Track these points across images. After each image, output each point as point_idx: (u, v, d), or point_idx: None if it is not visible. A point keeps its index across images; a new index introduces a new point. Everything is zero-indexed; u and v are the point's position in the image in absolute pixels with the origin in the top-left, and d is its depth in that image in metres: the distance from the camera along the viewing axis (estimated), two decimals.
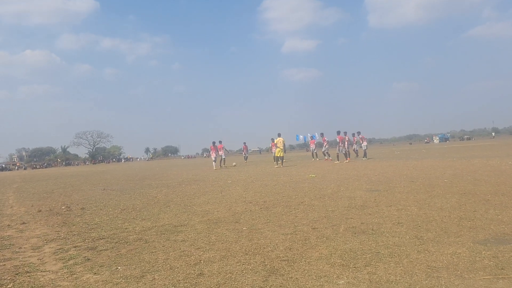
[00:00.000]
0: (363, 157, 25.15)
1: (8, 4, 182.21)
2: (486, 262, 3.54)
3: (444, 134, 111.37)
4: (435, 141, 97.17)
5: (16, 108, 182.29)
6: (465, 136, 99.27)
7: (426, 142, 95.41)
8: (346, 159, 23.06)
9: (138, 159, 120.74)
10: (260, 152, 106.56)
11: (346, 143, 23.33)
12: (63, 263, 4.39)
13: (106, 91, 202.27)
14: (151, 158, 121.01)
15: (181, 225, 6.15)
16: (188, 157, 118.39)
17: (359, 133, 26.62)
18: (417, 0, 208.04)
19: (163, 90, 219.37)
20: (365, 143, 26.62)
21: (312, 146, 30.35)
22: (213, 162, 24.13)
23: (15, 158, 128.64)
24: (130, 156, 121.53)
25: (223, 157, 26.13)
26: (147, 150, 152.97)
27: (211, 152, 25.29)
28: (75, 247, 5.11)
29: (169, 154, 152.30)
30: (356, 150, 26.77)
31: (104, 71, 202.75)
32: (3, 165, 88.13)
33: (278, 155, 21.98)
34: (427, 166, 15.18)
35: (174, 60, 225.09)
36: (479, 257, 3.70)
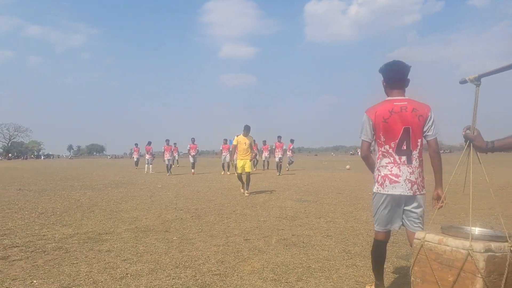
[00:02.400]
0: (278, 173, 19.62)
1: None
2: (408, 279, 3.73)
3: None
4: (359, 153, 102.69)
5: None
6: None
7: (351, 154, 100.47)
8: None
9: (59, 157, 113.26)
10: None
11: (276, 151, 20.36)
12: None
13: (29, 81, 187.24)
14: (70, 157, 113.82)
15: (106, 233, 5.80)
16: (115, 157, 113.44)
17: (279, 138, 20.66)
18: (350, 19, 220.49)
19: (94, 84, 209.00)
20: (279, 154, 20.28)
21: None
22: (226, 164, 20.62)
23: None
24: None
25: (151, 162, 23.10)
26: (70, 147, 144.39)
27: (222, 151, 21.12)
28: None
29: (94, 153, 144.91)
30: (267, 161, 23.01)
31: (28, 59, 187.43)
32: None
33: (241, 172, 11.05)
34: (352, 178, 15.94)
35: (109, 54, 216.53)
36: (402, 272, 3.91)
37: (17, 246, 5.05)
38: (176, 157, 28.99)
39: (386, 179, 3.07)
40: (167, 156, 21.42)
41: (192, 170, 21.01)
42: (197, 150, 22.40)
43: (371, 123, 3.10)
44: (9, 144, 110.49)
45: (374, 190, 3.20)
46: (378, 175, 3.13)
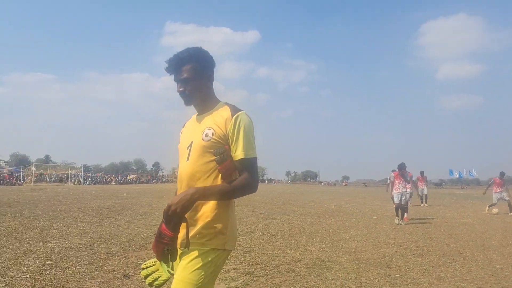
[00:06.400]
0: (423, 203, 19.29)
1: (184, 36, 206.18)
2: None
3: None
4: None
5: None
6: None
7: None
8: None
9: (279, 182, 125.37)
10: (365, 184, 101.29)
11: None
12: (226, 284, 4.82)
13: (256, 115, 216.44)
14: (290, 182, 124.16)
15: (329, 261, 6.17)
16: (328, 184, 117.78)
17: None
18: None
19: (310, 115, 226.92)
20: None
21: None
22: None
23: None
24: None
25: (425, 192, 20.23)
26: (288, 173, 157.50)
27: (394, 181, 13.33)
28: (234, 269, 5.55)
29: (309, 179, 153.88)
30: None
31: (257, 96, 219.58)
32: None
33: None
34: None
35: (325, 87, 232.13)
36: None
37: (257, 264, 5.91)
38: (425, 191, 20.47)
39: None
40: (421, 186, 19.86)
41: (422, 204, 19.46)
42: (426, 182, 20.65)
43: None
44: None
45: None
46: None
